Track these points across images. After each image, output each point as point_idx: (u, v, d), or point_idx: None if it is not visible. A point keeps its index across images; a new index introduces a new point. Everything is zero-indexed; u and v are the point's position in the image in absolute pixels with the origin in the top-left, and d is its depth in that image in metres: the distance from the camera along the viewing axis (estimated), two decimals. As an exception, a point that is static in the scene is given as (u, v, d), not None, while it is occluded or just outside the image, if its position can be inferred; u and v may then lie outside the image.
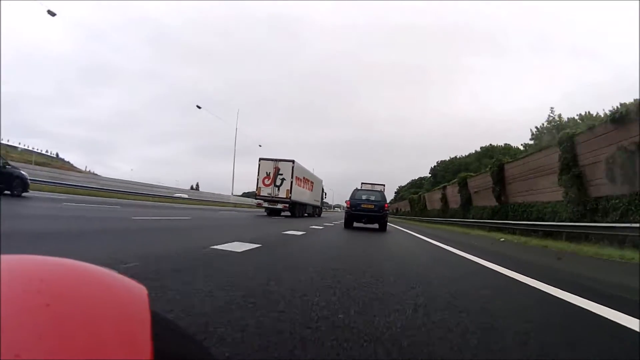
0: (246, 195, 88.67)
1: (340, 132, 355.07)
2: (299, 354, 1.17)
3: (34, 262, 0.26)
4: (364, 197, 11.01)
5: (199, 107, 33.37)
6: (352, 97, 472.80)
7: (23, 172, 11.44)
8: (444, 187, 28.18)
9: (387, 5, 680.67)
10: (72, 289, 0.25)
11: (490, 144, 55.21)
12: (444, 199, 27.80)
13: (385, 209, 10.72)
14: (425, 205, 36.99)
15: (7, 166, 10.72)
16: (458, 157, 62.58)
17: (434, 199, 32.72)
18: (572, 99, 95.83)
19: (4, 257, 0.25)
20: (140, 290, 0.29)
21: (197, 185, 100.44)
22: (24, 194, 11.17)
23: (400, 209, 59.50)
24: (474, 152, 58.97)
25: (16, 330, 0.20)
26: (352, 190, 11.44)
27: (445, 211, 26.97)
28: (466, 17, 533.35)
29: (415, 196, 44.45)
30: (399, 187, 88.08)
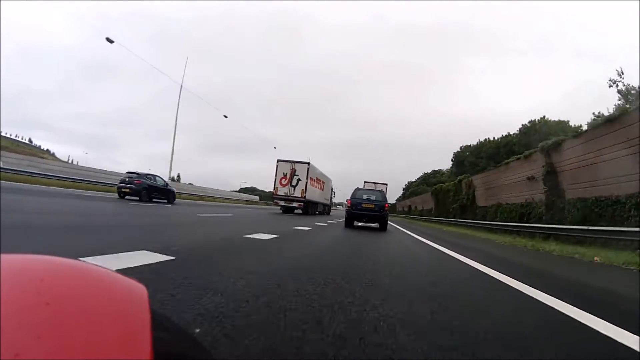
0: (243, 190, 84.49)
1: (341, 132, 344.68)
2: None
3: (34, 262, 0.26)
4: (364, 197, 10.97)
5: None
6: (354, 97, 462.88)
7: (174, 188, 17.16)
8: (553, 150, 13.34)
9: (388, 5, 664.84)
10: (72, 288, 0.25)
11: (544, 117, 40.29)
12: (551, 178, 13.13)
13: (386, 208, 10.70)
14: (474, 199, 22.32)
15: (167, 185, 16.47)
16: (491, 139, 47.73)
17: (501, 183, 18.08)
18: (572, 99, 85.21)
19: (4, 256, 0.25)
20: (140, 289, 0.28)
21: (179, 176, 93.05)
22: (174, 203, 16.29)
23: (416, 207, 44.85)
24: (517, 130, 44.13)
25: (16, 329, 0.20)
26: (353, 189, 11.56)
27: (554, 209, 12.30)
28: (467, 17, 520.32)
29: (447, 185, 29.62)
30: (409, 182, 74.95)
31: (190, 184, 44.97)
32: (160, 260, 2.47)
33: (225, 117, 35.17)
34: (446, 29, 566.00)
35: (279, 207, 20.12)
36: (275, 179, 19.51)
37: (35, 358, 0.19)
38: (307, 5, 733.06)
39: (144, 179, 14.63)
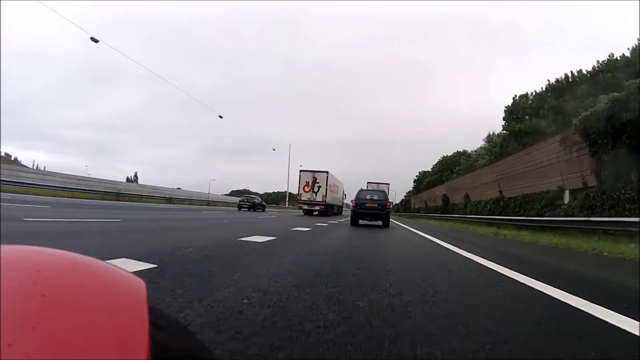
0: (234, 193, 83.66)
1: (342, 131, 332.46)
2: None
3: (31, 253, 0.26)
4: (368, 197, 11.99)
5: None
6: (356, 96, 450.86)
7: (264, 203, 33.37)
8: None
9: (390, 4, 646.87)
10: (68, 281, 0.25)
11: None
12: None
13: (388, 207, 11.79)
14: None
15: (262, 202, 32.78)
16: (579, 72, 30.70)
17: None
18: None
19: (2, 247, 0.25)
20: (138, 284, 0.28)
21: (136, 175, 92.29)
22: (265, 211, 29.40)
23: (467, 196, 25.66)
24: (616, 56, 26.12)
25: (10, 319, 0.20)
26: (358, 190, 12.73)
27: None
28: (473, 13, 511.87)
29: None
30: (420, 172, 64.21)
31: (178, 188, 45.36)
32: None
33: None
34: (450, 24, 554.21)
35: (302, 210, 24.34)
36: (299, 186, 24.06)
37: (28, 348, 0.19)
38: (308, 4, 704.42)
39: (254, 199, 31.02)
